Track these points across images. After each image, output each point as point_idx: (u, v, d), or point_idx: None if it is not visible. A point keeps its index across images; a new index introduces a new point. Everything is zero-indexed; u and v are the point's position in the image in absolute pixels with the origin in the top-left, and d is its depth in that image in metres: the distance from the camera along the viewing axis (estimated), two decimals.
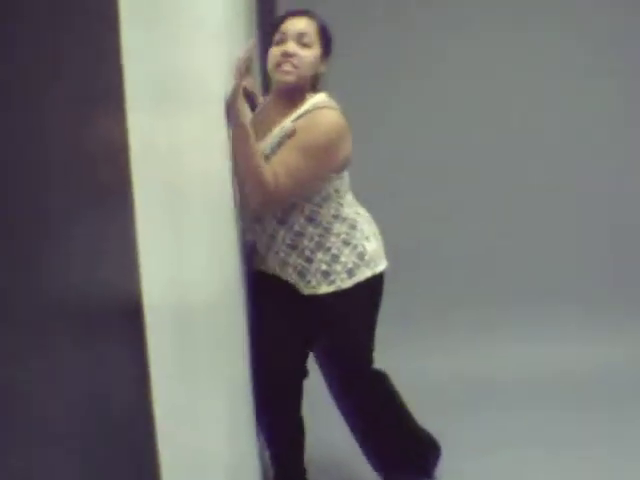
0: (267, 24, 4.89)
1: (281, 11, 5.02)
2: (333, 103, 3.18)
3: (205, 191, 2.25)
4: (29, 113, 1.01)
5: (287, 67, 3.09)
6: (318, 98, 3.17)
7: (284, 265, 3.25)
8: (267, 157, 3.09)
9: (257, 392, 3.28)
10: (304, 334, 3.36)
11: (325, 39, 3.16)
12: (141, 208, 1.45)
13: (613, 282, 5.38)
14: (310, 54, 3.11)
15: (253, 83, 3.40)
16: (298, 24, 3.12)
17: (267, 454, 3.52)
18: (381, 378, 3.45)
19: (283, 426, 3.46)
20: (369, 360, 3.39)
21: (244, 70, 3.02)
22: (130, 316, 1.43)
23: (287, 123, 3.13)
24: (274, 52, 3.11)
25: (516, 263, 5.42)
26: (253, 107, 3.39)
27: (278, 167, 3.01)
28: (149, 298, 1.48)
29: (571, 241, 5.41)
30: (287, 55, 3.08)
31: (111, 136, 1.36)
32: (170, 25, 1.87)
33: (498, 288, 5.38)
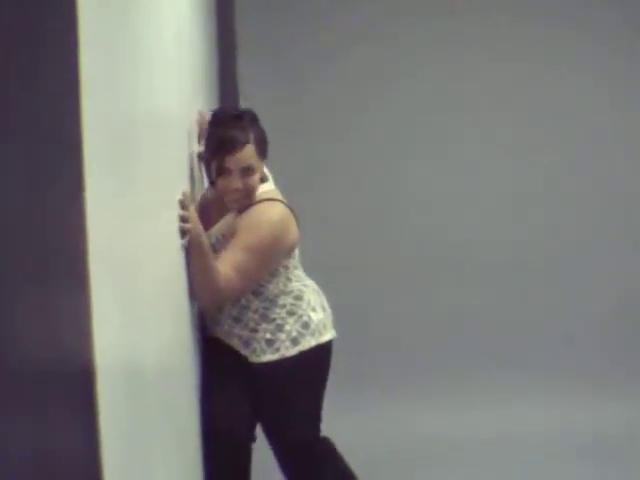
0: (227, 92, 4.94)
1: (241, 70, 5.11)
2: (275, 193, 3.21)
3: (157, 256, 2.23)
4: None
5: (236, 200, 3.13)
6: (261, 190, 3.18)
7: (230, 336, 3.24)
8: (213, 247, 3.10)
9: (207, 454, 3.23)
10: (251, 399, 3.32)
11: (262, 149, 3.18)
12: (94, 271, 1.42)
13: (564, 348, 5.39)
14: (254, 180, 3.14)
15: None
16: (241, 160, 3.12)
17: None
18: (325, 446, 3.40)
19: None
20: (314, 430, 3.36)
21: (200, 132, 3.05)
22: (81, 378, 1.39)
23: (230, 217, 3.15)
24: (221, 184, 3.13)
25: (468, 328, 5.42)
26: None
27: (227, 268, 3.03)
28: (101, 360, 1.45)
29: (523, 305, 5.43)
30: (238, 192, 3.11)
31: (66, 196, 1.34)
32: (131, 86, 1.85)
33: (450, 352, 5.38)
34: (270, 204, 3.17)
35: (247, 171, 3.12)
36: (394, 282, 5.37)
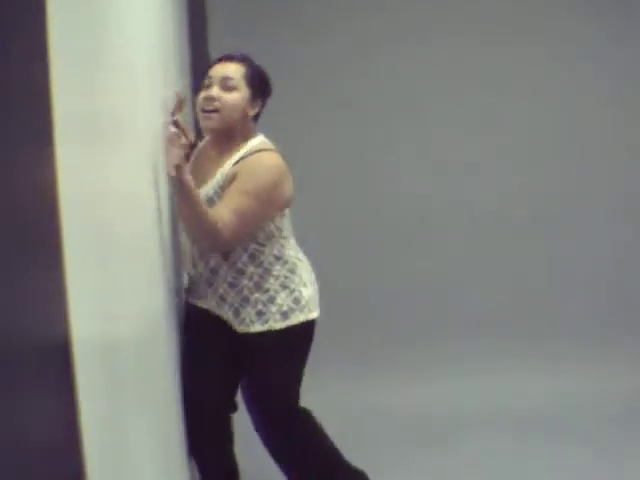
0: (199, 68, 4.90)
1: (214, 54, 5.05)
2: (270, 145, 3.20)
3: (134, 227, 2.22)
4: None
5: (208, 112, 3.11)
6: (255, 141, 3.19)
7: (222, 302, 3.25)
8: (211, 200, 3.11)
9: (189, 424, 3.25)
10: (233, 369, 3.35)
11: (256, 82, 3.16)
12: (69, 244, 1.41)
13: (548, 315, 5.37)
14: (233, 97, 3.11)
15: (187, 121, 3.39)
16: (223, 69, 3.13)
17: None
18: (304, 416, 3.42)
19: (215, 459, 3.43)
20: (293, 400, 3.36)
21: (178, 107, 3.04)
22: (58, 352, 1.39)
23: (227, 167, 3.13)
24: (200, 96, 3.13)
25: (450, 297, 5.40)
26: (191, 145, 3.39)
27: (226, 212, 3.04)
28: (77, 331, 1.44)
29: (507, 273, 5.40)
30: (210, 99, 3.09)
31: (39, 175, 1.33)
32: (102, 65, 1.84)
33: (434, 322, 5.35)
34: (268, 153, 3.16)
35: (227, 83, 3.10)
36: (377, 252, 5.36)
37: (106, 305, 1.71)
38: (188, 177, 2.89)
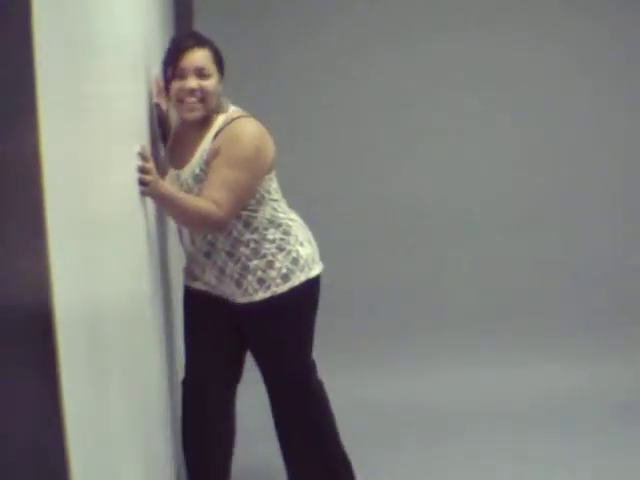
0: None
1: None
2: (243, 112, 3.19)
3: (120, 201, 2.19)
4: None
5: (192, 103, 3.09)
6: (229, 112, 3.17)
7: (221, 275, 3.22)
8: (198, 177, 3.10)
9: (189, 407, 3.27)
10: (237, 347, 3.35)
11: (219, 63, 3.16)
12: (53, 218, 1.38)
13: (546, 310, 5.35)
14: (211, 83, 3.11)
15: (167, 104, 3.36)
16: (194, 59, 3.11)
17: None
18: (319, 386, 3.40)
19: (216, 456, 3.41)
20: (307, 361, 3.35)
21: (158, 92, 3.02)
22: (41, 328, 1.36)
23: (207, 142, 3.11)
24: (175, 87, 3.11)
25: (451, 290, 5.38)
26: (164, 128, 3.37)
27: (215, 190, 3.03)
28: (61, 309, 1.41)
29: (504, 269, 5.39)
30: (191, 91, 3.08)
31: (22, 145, 1.30)
32: (86, 45, 1.81)
33: (430, 318, 5.33)
34: (246, 119, 3.15)
35: (202, 72, 3.10)
36: (373, 248, 5.35)
37: (90, 282, 1.69)
38: (161, 186, 2.85)
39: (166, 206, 2.98)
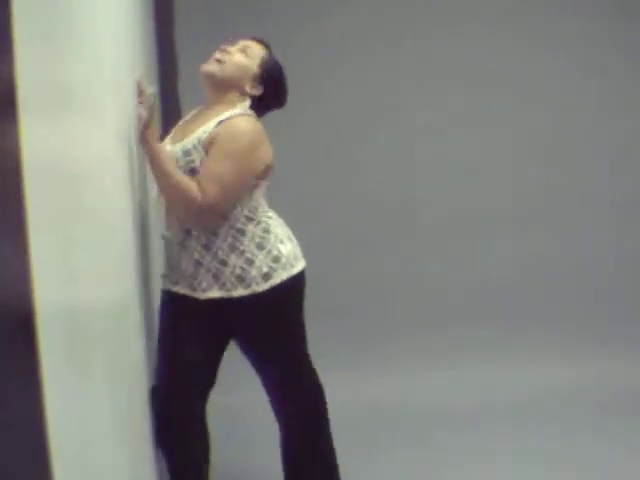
0: (165, 56, 4.82)
1: (181, 42, 4.97)
2: (250, 112, 3.20)
3: (103, 199, 2.16)
4: None
5: (214, 58, 3.17)
6: (238, 108, 3.17)
7: (199, 267, 3.17)
8: (188, 152, 3.10)
9: (162, 408, 3.21)
10: (215, 349, 3.30)
11: (266, 70, 3.21)
12: (33, 215, 1.35)
13: (529, 303, 5.34)
14: (243, 59, 3.16)
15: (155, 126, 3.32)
16: (250, 41, 3.25)
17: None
18: (314, 378, 3.37)
19: (187, 437, 3.36)
20: (302, 358, 3.32)
21: (138, 93, 3.00)
22: (21, 326, 1.33)
23: (210, 125, 3.12)
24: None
25: (447, 290, 5.36)
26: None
27: (204, 178, 3.00)
28: (41, 304, 1.38)
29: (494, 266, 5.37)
30: (224, 50, 3.19)
31: (2, 141, 1.26)
32: (68, 37, 1.77)
33: (429, 315, 5.30)
34: (247, 118, 3.16)
35: (245, 50, 3.21)
36: (371, 246, 5.33)
37: (72, 280, 1.65)
38: (153, 141, 2.95)
39: (150, 162, 2.99)
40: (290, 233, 3.31)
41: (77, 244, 1.74)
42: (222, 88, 3.16)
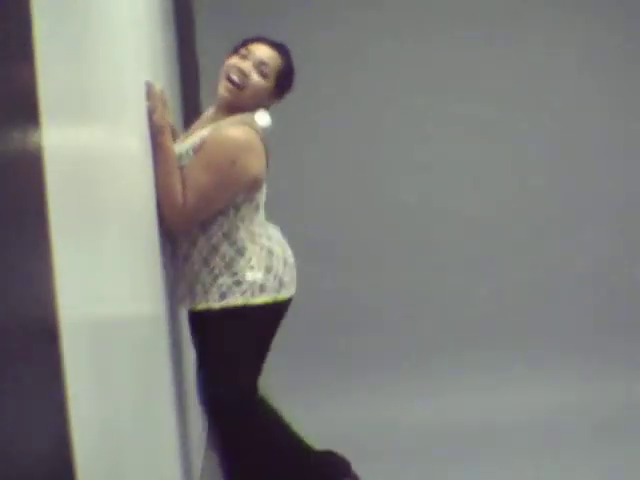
0: (186, 56, 4.80)
1: (200, 39, 4.95)
2: (250, 120, 3.06)
3: (123, 206, 2.13)
4: None
5: (231, 84, 3.03)
6: (239, 116, 3.06)
7: (180, 276, 3.14)
8: (180, 157, 3.03)
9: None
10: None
11: (282, 80, 3.10)
12: (56, 224, 1.33)
13: (547, 326, 5.28)
14: (261, 83, 3.05)
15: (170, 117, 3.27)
16: (265, 51, 3.09)
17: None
18: (253, 407, 3.19)
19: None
20: (239, 388, 3.15)
21: (157, 94, 2.92)
22: (45, 336, 1.31)
23: (204, 132, 3.05)
24: (230, 62, 3.08)
25: (449, 307, 5.31)
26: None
27: (187, 185, 2.96)
28: (66, 317, 1.36)
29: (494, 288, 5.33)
30: (239, 71, 3.01)
31: (24, 148, 1.24)
32: (87, 37, 1.75)
33: (431, 334, 5.25)
34: (242, 126, 3.02)
35: (261, 68, 3.06)
36: (372, 261, 5.28)
37: (96, 288, 1.63)
38: (167, 140, 2.87)
39: (157, 160, 2.89)
40: (276, 265, 3.11)
41: (102, 250, 1.72)
42: (235, 108, 3.07)
